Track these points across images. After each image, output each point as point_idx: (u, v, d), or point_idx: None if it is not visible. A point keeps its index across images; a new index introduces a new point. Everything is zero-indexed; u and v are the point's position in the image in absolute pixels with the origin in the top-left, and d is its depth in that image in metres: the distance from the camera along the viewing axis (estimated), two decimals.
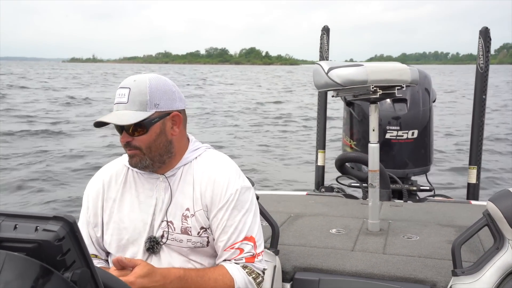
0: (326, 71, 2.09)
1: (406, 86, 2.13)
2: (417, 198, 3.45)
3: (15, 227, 0.72)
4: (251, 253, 1.37)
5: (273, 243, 1.80)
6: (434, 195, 3.53)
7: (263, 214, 1.83)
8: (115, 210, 1.41)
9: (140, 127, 1.32)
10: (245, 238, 1.36)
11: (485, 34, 3.36)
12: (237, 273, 1.33)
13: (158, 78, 1.36)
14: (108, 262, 1.52)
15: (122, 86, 1.33)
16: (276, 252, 1.77)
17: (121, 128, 1.33)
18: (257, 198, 1.83)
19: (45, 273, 0.67)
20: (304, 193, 3.34)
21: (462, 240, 1.52)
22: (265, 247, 1.72)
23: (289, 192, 3.48)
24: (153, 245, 1.35)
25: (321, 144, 4.06)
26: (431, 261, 1.88)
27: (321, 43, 4.02)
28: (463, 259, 1.54)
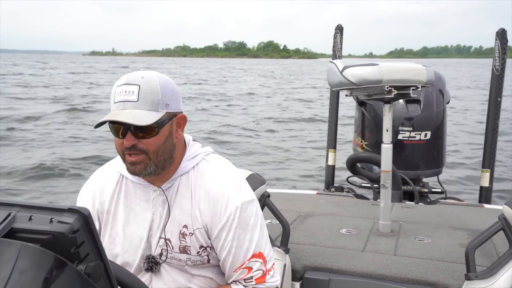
0: (340, 70, 2.07)
1: (422, 86, 2.10)
2: (428, 200, 3.41)
3: (30, 218, 0.72)
4: (261, 271, 1.28)
5: (283, 242, 1.79)
6: (445, 198, 3.48)
7: (274, 212, 1.82)
8: (109, 223, 1.32)
9: (150, 129, 1.19)
10: (253, 256, 1.27)
11: (501, 36, 3.31)
12: None
13: (164, 76, 1.24)
14: None
15: (128, 82, 1.18)
16: (286, 251, 1.76)
17: (125, 130, 1.18)
18: (268, 196, 1.83)
19: (59, 264, 0.67)
20: (314, 192, 3.32)
21: (477, 244, 1.49)
22: (275, 245, 1.71)
23: (299, 191, 3.46)
24: (151, 266, 1.26)
25: (332, 143, 4.04)
26: (443, 264, 1.86)
27: (334, 42, 3.99)
28: (476, 263, 1.52)
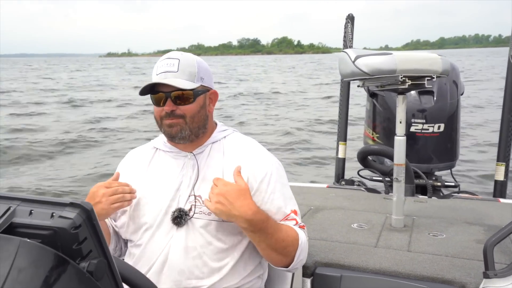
0: (352, 60, 2.01)
1: (437, 76, 2.03)
2: (442, 194, 3.34)
3: (31, 213, 0.69)
4: (301, 224, 1.43)
5: None
6: (459, 192, 3.41)
7: None
8: (138, 188, 1.41)
9: (187, 96, 1.35)
10: (291, 211, 1.42)
11: None
12: (299, 230, 1.39)
13: (199, 57, 1.44)
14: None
15: (169, 57, 1.37)
16: None
17: (165, 98, 1.34)
18: None
19: (60, 262, 0.64)
20: (325, 185, 3.27)
21: (496, 241, 1.43)
22: None
23: (309, 184, 3.41)
24: (181, 215, 1.34)
25: (343, 136, 3.98)
26: (459, 261, 1.80)
27: (345, 32, 3.92)
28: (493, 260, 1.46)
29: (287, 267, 1.37)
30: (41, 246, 0.64)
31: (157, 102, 1.37)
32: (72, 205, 0.68)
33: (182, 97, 1.35)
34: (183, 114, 1.36)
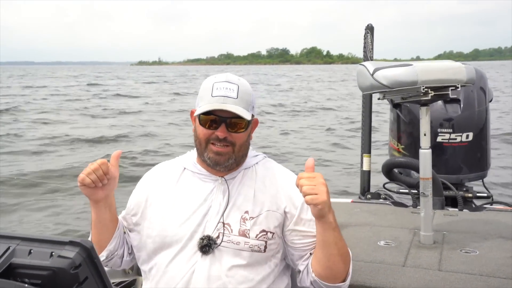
0: (371, 72, 1.95)
1: (461, 86, 1.94)
2: (473, 206, 3.19)
3: (30, 252, 0.67)
4: None
5: None
6: (492, 203, 3.25)
7: None
8: (162, 206, 1.38)
9: (242, 125, 1.34)
10: None
11: None
12: None
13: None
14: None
15: (228, 80, 1.34)
16: None
17: (218, 123, 1.32)
18: None
19: None
20: (349, 200, 3.18)
21: None
22: None
23: (333, 200, 3.32)
24: (210, 244, 1.30)
25: (367, 148, 3.88)
26: (495, 281, 1.68)
27: (364, 43, 3.85)
28: None
29: (344, 281, 1.34)
30: None
31: (208, 125, 1.33)
32: (71, 243, 0.66)
33: (236, 125, 1.33)
34: (234, 142, 1.34)
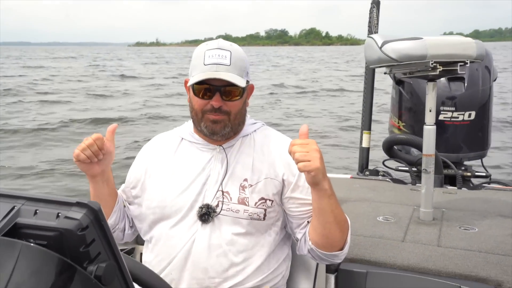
0: (379, 45, 1.91)
1: (470, 62, 1.90)
2: (472, 185, 3.20)
3: (36, 213, 0.65)
4: None
5: None
6: (490, 182, 3.26)
7: None
8: (161, 177, 1.36)
9: (237, 92, 1.30)
10: None
11: None
12: None
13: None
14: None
15: (220, 47, 1.30)
16: None
17: (212, 92, 1.28)
18: None
19: (64, 267, 0.59)
20: (348, 176, 3.18)
21: None
22: None
23: (332, 175, 3.32)
24: (209, 212, 1.29)
25: (367, 125, 3.86)
26: (494, 257, 1.69)
27: (370, 17, 3.77)
28: None
29: (341, 249, 1.30)
30: (44, 250, 0.59)
31: (202, 94, 1.30)
32: (78, 204, 0.64)
33: (231, 92, 1.29)
34: (229, 111, 1.30)
